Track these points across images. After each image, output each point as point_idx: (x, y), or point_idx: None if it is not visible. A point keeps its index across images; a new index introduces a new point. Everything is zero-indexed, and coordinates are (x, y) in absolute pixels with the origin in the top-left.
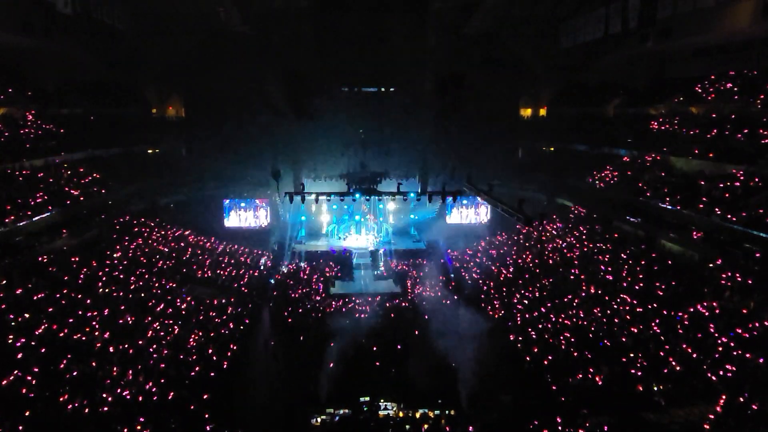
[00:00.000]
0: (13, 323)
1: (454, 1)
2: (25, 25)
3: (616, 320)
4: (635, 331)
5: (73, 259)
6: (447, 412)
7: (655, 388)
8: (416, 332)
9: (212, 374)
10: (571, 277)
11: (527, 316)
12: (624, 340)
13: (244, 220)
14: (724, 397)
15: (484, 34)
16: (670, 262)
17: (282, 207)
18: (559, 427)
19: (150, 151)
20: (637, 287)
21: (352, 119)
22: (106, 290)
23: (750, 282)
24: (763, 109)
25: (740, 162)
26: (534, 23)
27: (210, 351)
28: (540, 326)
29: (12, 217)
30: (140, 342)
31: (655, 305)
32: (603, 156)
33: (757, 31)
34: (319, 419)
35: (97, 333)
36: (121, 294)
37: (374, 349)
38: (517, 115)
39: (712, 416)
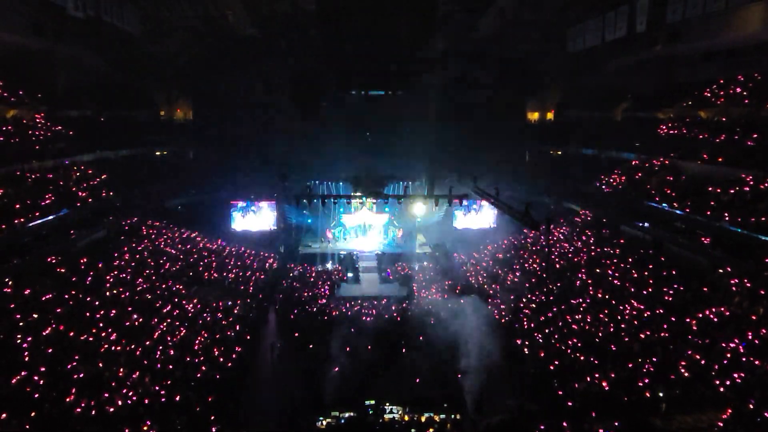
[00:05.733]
0: (20, 323)
1: (462, 4)
2: (35, 28)
3: (623, 325)
4: (642, 336)
5: (81, 261)
6: (452, 416)
7: (661, 395)
8: (421, 336)
9: (218, 376)
10: (578, 281)
11: (534, 320)
12: (631, 345)
13: (251, 222)
14: (732, 404)
15: (491, 38)
16: (678, 268)
17: (288, 209)
18: None
19: (158, 153)
20: (644, 292)
21: (359, 122)
22: (114, 291)
23: (759, 288)
24: None
25: (750, 167)
26: (542, 27)
27: (216, 353)
28: (547, 331)
29: (21, 219)
30: (147, 343)
31: (662, 310)
32: (611, 160)
33: (766, 35)
34: (324, 422)
35: (104, 334)
36: (128, 295)
37: (380, 352)
38: (525, 118)
39: (720, 423)
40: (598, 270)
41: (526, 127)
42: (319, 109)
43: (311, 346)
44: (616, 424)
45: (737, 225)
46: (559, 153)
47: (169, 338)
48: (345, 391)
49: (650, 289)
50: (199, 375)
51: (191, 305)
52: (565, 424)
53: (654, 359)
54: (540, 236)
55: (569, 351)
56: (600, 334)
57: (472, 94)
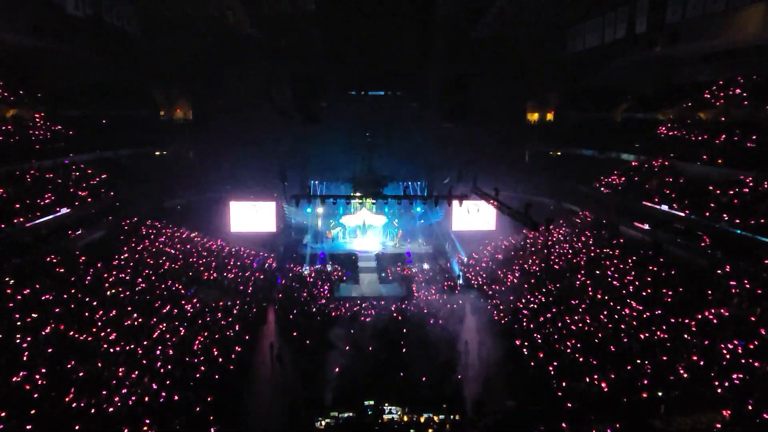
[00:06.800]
0: (20, 323)
1: (461, 5)
2: (35, 28)
3: (622, 326)
4: (642, 337)
5: (80, 260)
6: (452, 416)
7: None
8: (420, 336)
9: (217, 376)
10: (578, 282)
11: (533, 321)
12: (630, 346)
13: (251, 222)
14: (731, 405)
15: (491, 39)
16: (677, 269)
17: (288, 209)
18: None
19: (158, 153)
20: (643, 293)
21: (358, 122)
22: (113, 291)
23: (758, 289)
24: None
25: (749, 168)
26: (541, 28)
27: (215, 353)
28: (546, 331)
29: (21, 218)
30: (146, 343)
31: (661, 311)
32: (610, 161)
33: (766, 36)
34: (323, 422)
35: (103, 334)
36: (128, 295)
37: (379, 352)
38: (525, 119)
39: (718, 425)
40: (597, 271)
41: (526, 128)
42: (319, 109)
43: (310, 346)
44: (617, 425)
45: (736, 226)
46: (559, 153)
47: (168, 338)
48: (344, 391)
49: (649, 290)
50: (198, 375)
51: (190, 305)
52: (564, 424)
53: (653, 360)
54: (539, 237)
55: (568, 351)
56: (599, 335)
57: (472, 94)
